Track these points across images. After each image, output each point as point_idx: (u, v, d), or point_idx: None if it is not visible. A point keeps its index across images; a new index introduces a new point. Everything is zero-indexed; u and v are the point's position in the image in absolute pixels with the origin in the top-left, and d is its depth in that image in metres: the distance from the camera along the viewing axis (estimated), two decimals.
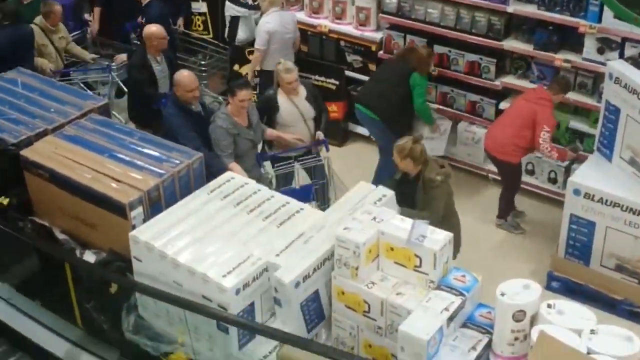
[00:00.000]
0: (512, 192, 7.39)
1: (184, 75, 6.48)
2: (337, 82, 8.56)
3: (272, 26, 8.07)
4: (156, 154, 5.17)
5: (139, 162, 5.07)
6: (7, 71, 6.21)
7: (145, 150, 5.21)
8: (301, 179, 7.10)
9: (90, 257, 4.98)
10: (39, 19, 8.51)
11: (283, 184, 7.00)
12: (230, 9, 9.08)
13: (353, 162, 8.11)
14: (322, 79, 8.60)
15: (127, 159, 5.11)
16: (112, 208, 4.84)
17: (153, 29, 7.66)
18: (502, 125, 7.09)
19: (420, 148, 5.69)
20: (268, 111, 7.03)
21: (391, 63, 7.78)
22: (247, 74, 8.56)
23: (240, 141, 6.40)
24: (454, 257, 5.75)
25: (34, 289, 5.59)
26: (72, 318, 5.36)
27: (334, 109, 8.50)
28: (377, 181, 5.55)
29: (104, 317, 5.09)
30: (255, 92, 8.40)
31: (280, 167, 6.96)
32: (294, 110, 6.99)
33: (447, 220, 5.65)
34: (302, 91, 7.09)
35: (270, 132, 6.95)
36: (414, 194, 5.62)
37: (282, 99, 7.00)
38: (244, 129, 6.45)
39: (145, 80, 7.63)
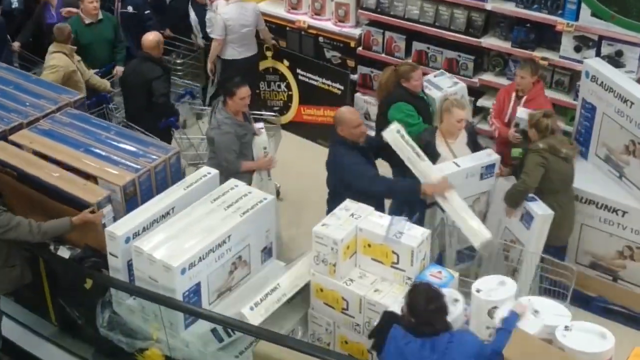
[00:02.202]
0: None
1: (348, 112, 5.62)
2: (342, 87, 8.52)
3: (228, 17, 8.07)
4: (133, 149, 5.14)
5: (115, 157, 5.04)
6: None
7: (122, 145, 5.17)
8: None
9: (64, 252, 4.93)
10: (56, 44, 7.24)
11: None
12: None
13: None
14: (329, 82, 8.52)
15: (103, 153, 5.07)
16: (80, 208, 4.79)
17: (151, 37, 7.19)
18: None
19: (547, 122, 5.70)
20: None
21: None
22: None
23: (248, 138, 6.13)
24: (564, 240, 5.83)
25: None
26: (47, 314, 5.32)
27: None
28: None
29: (78, 313, 5.05)
30: (212, 78, 8.35)
31: None
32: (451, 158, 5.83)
33: (553, 196, 5.62)
34: (463, 134, 5.99)
35: None
36: None
37: (439, 142, 5.92)
38: (247, 125, 6.20)
39: (168, 92, 7.34)
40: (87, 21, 7.81)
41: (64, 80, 6.85)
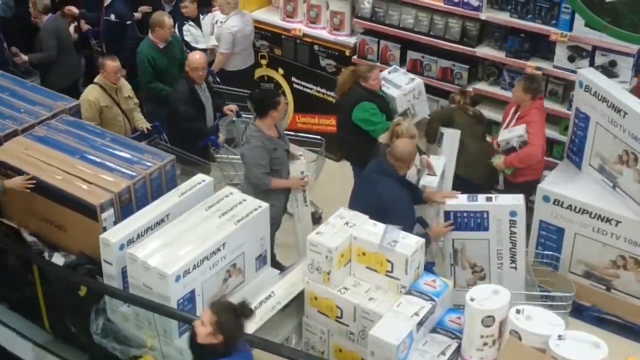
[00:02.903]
0: None
1: (404, 145, 5.44)
2: (336, 96, 8.50)
3: (237, 29, 8.09)
4: (127, 155, 5.14)
5: (110, 164, 5.04)
6: None
7: (117, 152, 5.17)
8: None
9: (59, 259, 4.93)
10: (98, 76, 6.93)
11: None
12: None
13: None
14: (323, 91, 8.52)
15: (98, 160, 5.07)
16: (82, 210, 4.80)
17: (197, 56, 7.12)
18: None
19: (459, 98, 6.86)
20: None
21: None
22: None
23: (279, 154, 5.94)
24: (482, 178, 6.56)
25: (1, 291, 5.53)
26: (40, 321, 5.30)
27: (333, 123, 8.25)
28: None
29: (72, 320, 5.04)
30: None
31: None
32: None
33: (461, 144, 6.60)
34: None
35: None
36: None
37: None
38: (279, 140, 6.01)
39: (194, 113, 7.09)
40: (162, 45, 7.60)
41: (99, 116, 6.65)
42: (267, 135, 5.86)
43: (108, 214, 4.78)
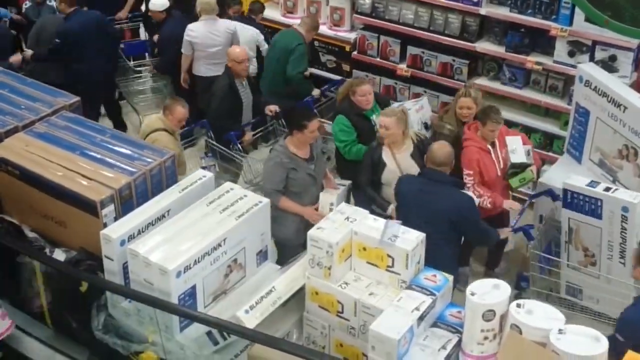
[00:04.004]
0: None
1: (440, 147, 5.49)
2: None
3: (194, 35, 8.01)
4: (128, 151, 5.13)
5: (110, 160, 5.03)
6: None
7: (117, 148, 5.17)
8: None
9: (60, 255, 4.93)
10: (161, 118, 6.49)
11: None
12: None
13: None
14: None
15: (99, 156, 5.07)
16: (83, 206, 4.80)
17: (238, 50, 7.11)
18: None
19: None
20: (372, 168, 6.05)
21: None
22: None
23: (298, 176, 5.72)
24: None
25: (1, 287, 5.53)
26: (41, 317, 5.31)
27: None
28: None
29: (73, 315, 5.05)
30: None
31: None
32: (396, 170, 5.99)
33: None
34: (409, 145, 6.09)
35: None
36: None
37: (385, 152, 6.02)
38: (303, 162, 5.78)
39: (227, 110, 7.08)
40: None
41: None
42: (290, 153, 5.69)
43: (108, 210, 4.77)
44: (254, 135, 7.44)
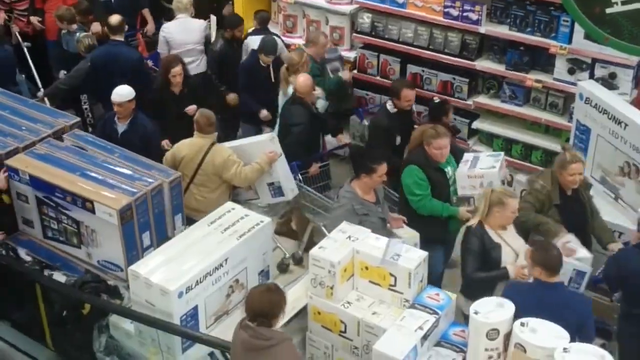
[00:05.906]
0: None
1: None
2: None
3: (168, 32, 8.20)
4: (129, 172, 5.13)
5: (111, 181, 5.03)
6: None
7: (118, 169, 5.17)
8: None
9: (60, 277, 4.92)
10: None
11: None
12: None
13: None
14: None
15: (100, 177, 5.06)
16: None
17: (302, 79, 6.84)
18: None
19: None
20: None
21: None
22: None
23: (370, 221, 5.34)
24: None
25: (4, 309, 5.51)
26: (43, 339, 5.28)
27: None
28: None
29: (75, 337, 5.02)
30: None
31: None
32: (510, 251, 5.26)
33: None
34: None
35: None
36: None
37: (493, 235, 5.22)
38: (373, 206, 5.51)
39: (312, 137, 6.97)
40: None
41: None
42: (359, 199, 5.42)
43: None
44: (320, 167, 7.10)
